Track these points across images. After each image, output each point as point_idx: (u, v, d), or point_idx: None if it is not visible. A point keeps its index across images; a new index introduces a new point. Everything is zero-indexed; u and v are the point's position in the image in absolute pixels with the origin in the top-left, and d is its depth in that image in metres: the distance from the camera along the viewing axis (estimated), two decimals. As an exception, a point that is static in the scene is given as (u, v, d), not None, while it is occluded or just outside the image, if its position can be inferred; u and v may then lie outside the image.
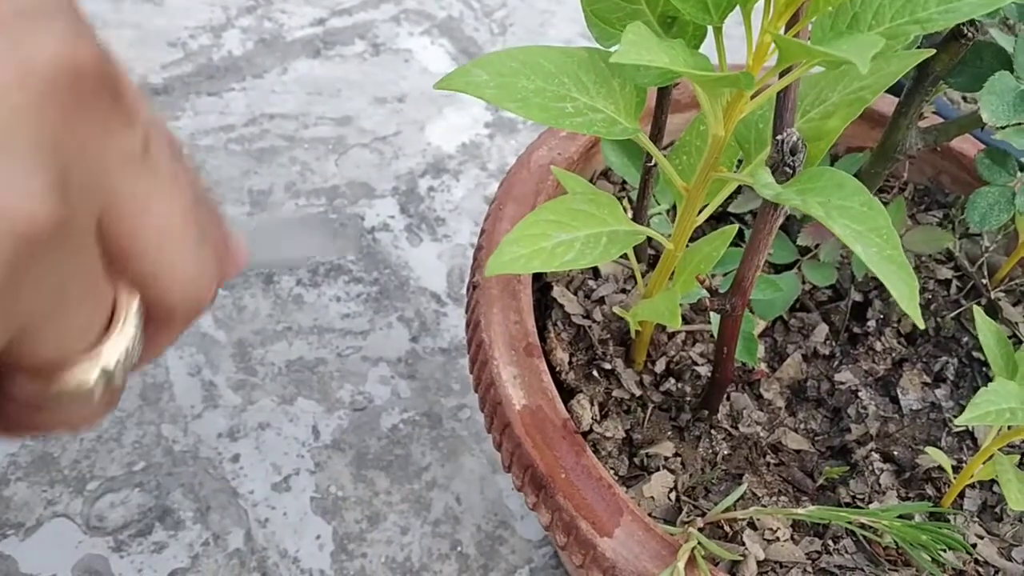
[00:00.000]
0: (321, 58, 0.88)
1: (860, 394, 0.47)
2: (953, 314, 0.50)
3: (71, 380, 0.22)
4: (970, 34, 0.38)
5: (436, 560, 0.64)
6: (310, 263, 0.75)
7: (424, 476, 0.68)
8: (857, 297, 0.50)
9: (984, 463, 0.40)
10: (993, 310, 0.50)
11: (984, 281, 0.50)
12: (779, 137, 0.31)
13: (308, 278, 0.74)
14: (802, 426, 0.47)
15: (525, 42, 0.93)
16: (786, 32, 0.31)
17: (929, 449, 0.40)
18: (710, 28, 0.31)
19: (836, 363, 0.49)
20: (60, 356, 0.22)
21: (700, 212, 0.37)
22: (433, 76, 0.88)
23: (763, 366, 0.48)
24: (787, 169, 0.31)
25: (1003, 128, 0.39)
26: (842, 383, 0.48)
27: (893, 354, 0.49)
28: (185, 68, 0.85)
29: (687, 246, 0.40)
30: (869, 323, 0.50)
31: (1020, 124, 0.39)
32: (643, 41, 0.24)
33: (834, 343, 0.50)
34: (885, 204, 0.52)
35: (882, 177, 0.45)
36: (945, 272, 0.51)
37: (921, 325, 0.25)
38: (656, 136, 0.39)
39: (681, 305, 0.46)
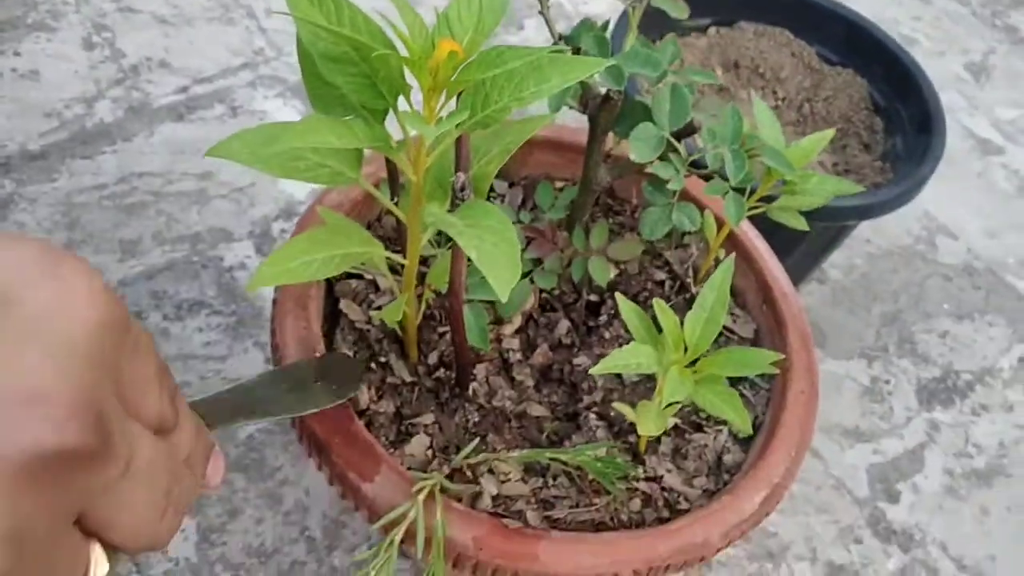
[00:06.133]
0: (184, 122, 1.00)
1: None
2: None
3: None
4: (615, 96, 0.52)
5: (287, 544, 0.76)
6: (175, 299, 0.86)
7: (277, 475, 0.79)
8: (593, 298, 0.64)
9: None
10: (697, 302, 0.64)
11: (689, 280, 0.64)
12: (451, 180, 0.44)
13: (173, 313, 0.86)
14: (546, 400, 0.60)
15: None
16: (446, 99, 0.44)
17: (616, 404, 0.53)
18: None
19: (575, 350, 0.62)
20: None
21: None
22: (285, 133, 1.01)
23: (518, 355, 0.61)
24: (458, 201, 0.44)
25: (651, 163, 0.53)
26: (579, 365, 0.61)
27: (620, 340, 0.63)
28: (61, 135, 0.96)
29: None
30: (602, 317, 0.63)
31: (665, 160, 0.53)
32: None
33: (575, 335, 0.63)
34: (622, 226, 0.66)
35: (590, 204, 0.59)
36: (661, 275, 0.65)
37: (504, 299, 0.38)
38: (393, 178, 0.52)
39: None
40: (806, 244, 0.82)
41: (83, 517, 0.28)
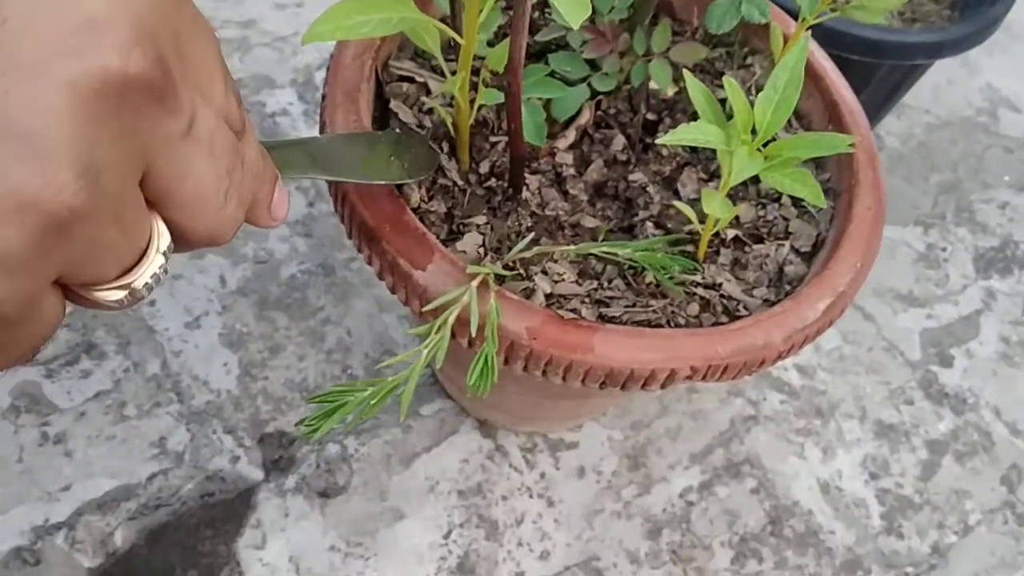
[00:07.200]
0: (226, -29, 0.97)
1: (648, 189, 0.59)
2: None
3: (101, 297, 0.28)
4: None
5: (329, 381, 0.75)
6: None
7: (319, 315, 0.78)
8: (651, 116, 0.62)
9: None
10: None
11: (753, 98, 0.61)
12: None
13: (214, 155, 0.84)
14: (600, 213, 0.58)
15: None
16: None
17: (675, 202, 0.51)
18: None
19: (631, 167, 0.60)
20: (94, 282, 0.27)
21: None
22: (327, -16, 0.98)
23: (572, 171, 0.59)
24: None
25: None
26: (635, 181, 0.59)
27: (678, 159, 0.60)
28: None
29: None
30: (659, 136, 0.61)
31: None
32: None
33: (631, 152, 0.61)
34: (682, 39, 0.63)
35: (652, 4, 0.56)
36: (723, 94, 0.62)
37: (575, 25, 0.36)
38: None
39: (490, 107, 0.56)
40: (872, 87, 0.78)
41: (147, 178, 0.27)
